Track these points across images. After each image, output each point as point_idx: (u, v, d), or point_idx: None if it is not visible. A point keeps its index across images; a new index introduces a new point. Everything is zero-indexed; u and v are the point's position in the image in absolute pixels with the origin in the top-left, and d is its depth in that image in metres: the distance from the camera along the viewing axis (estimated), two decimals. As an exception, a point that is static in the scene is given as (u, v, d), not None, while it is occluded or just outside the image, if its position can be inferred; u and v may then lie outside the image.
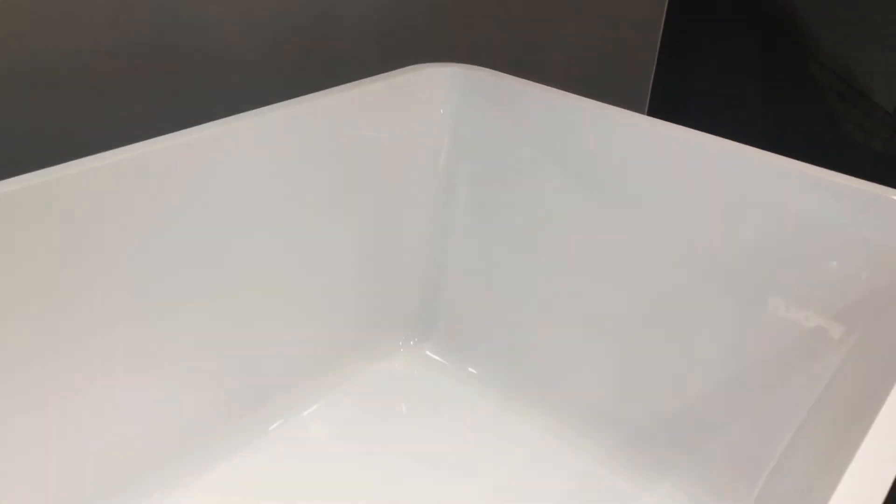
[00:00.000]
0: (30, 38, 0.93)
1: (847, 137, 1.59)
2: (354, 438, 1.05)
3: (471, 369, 1.17)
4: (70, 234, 0.80)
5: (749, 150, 0.93)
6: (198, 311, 0.95)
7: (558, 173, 1.09)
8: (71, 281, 0.81)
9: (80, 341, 0.84)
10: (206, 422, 1.00)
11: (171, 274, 0.91)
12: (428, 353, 1.21)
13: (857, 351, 0.85)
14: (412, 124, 1.13)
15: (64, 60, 0.97)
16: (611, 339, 1.06)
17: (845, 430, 0.68)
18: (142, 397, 0.92)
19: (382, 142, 1.12)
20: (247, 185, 0.97)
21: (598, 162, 1.04)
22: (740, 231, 0.94)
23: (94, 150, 0.82)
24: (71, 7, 0.96)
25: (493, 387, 1.14)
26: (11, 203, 0.74)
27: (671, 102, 1.70)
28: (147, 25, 1.03)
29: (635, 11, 1.67)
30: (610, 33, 1.65)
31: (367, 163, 1.10)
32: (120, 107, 1.05)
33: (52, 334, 0.81)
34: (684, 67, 1.68)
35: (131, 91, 1.05)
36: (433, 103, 1.14)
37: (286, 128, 1.00)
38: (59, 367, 0.82)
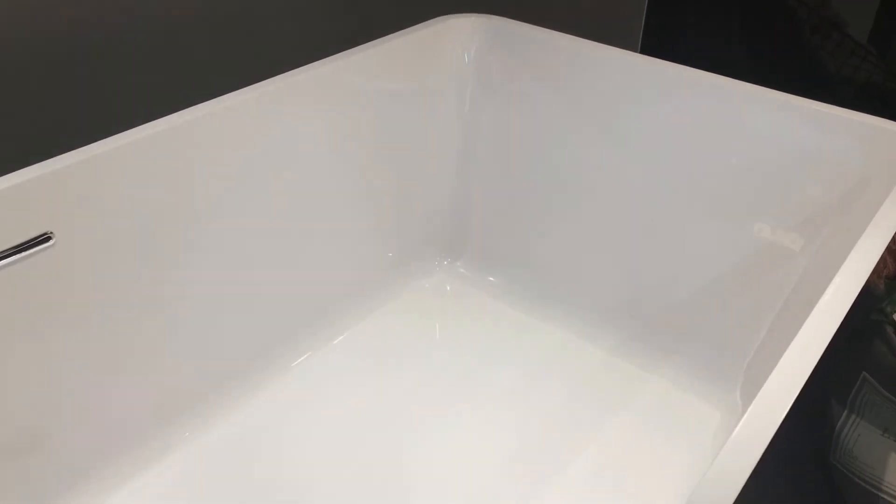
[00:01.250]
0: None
1: (823, 67, 1.75)
2: (404, 342, 1.25)
3: (497, 281, 1.37)
4: (177, 177, 0.98)
5: (731, 82, 1.10)
6: (267, 241, 1.14)
7: (568, 109, 1.26)
8: (174, 218, 0.99)
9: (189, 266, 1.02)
10: (281, 332, 1.19)
11: (243, 209, 1.09)
12: (460, 269, 1.40)
13: (819, 252, 1.04)
14: (440, 70, 1.29)
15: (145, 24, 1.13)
16: (616, 252, 1.25)
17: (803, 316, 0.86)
18: (214, 321, 1.11)
19: (414, 88, 1.28)
20: (301, 131, 1.13)
21: (601, 98, 1.21)
22: (723, 155, 1.12)
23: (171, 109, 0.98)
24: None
25: (518, 295, 1.34)
26: (142, 146, 0.91)
27: (661, 41, 1.85)
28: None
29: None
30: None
31: (401, 107, 1.27)
32: (183, 69, 1.21)
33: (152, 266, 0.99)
34: (672, 9, 1.83)
35: (191, 53, 1.20)
36: (458, 50, 1.30)
37: (330, 81, 1.16)
38: (160, 288, 1.01)
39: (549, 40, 1.27)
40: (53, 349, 0.90)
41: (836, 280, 0.77)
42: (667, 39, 1.89)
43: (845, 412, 1.15)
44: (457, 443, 1.07)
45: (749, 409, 0.61)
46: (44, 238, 0.85)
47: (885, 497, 1.10)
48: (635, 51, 1.66)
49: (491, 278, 1.37)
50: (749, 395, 1.12)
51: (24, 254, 0.84)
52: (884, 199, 0.90)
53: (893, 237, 0.85)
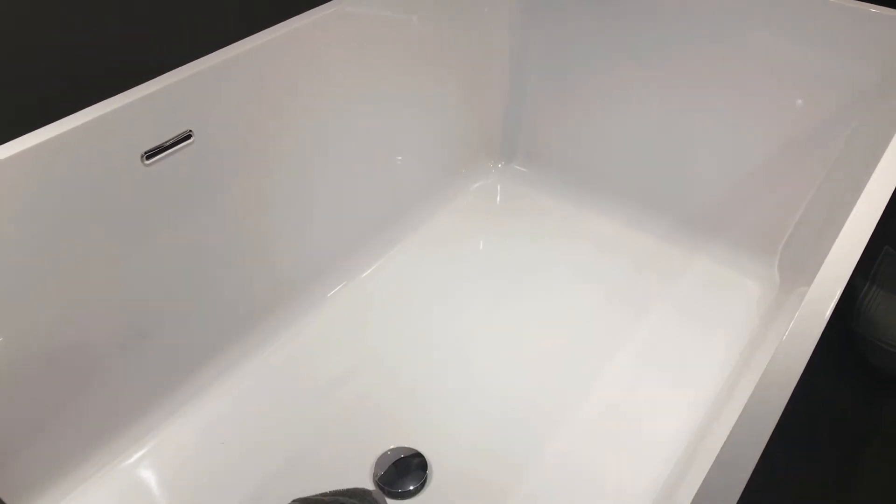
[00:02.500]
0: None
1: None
2: (467, 236, 1.39)
3: (549, 180, 1.49)
4: (288, 83, 1.09)
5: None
6: (340, 150, 1.25)
7: (607, 28, 1.36)
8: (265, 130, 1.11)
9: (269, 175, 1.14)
10: (370, 226, 1.32)
11: (330, 116, 1.20)
12: (514, 169, 1.52)
13: (852, 139, 1.17)
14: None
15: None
16: (660, 148, 1.37)
17: (841, 201, 0.98)
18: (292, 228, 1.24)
19: (469, 3, 1.38)
20: (373, 48, 1.24)
21: (636, 18, 1.31)
22: (758, 51, 1.23)
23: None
24: None
25: (568, 192, 1.47)
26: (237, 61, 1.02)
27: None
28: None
29: None
30: None
31: (458, 23, 1.37)
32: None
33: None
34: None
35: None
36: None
37: (399, 3, 1.26)
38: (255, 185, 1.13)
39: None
40: (185, 237, 1.02)
41: (876, 174, 0.89)
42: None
43: (867, 284, 1.30)
44: (517, 327, 1.21)
45: (807, 296, 0.73)
46: (184, 136, 0.97)
47: (903, 355, 1.25)
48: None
49: (542, 178, 1.50)
50: (785, 270, 1.27)
51: (171, 150, 0.95)
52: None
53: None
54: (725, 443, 0.58)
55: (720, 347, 1.16)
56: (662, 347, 1.17)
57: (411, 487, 0.98)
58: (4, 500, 0.87)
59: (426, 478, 0.99)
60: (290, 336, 1.19)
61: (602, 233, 1.40)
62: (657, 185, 1.40)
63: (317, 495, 0.95)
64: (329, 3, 1.16)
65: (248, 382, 1.12)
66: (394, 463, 1.01)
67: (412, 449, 1.03)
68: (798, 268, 1.23)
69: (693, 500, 0.52)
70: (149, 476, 1.00)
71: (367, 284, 1.29)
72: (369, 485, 0.99)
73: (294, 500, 0.94)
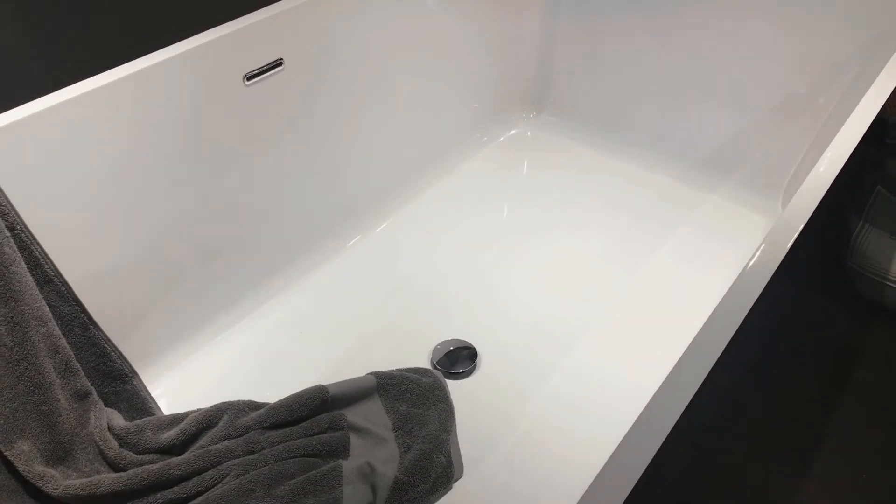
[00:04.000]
0: None
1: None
2: (500, 178, 1.55)
3: (575, 128, 1.66)
4: (361, 24, 1.25)
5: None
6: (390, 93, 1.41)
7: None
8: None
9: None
10: (412, 165, 1.48)
11: (388, 63, 1.36)
12: (546, 116, 1.69)
13: (850, 88, 1.32)
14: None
15: None
16: (676, 98, 1.53)
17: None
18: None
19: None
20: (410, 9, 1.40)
21: None
22: (764, 8, 1.38)
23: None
24: None
25: (592, 139, 1.63)
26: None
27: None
28: None
29: None
30: None
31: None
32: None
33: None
34: None
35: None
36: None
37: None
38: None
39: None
40: (274, 154, 1.19)
41: (855, 113, 1.04)
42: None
43: (860, 222, 1.46)
44: (547, 251, 1.38)
45: (781, 214, 0.85)
46: (276, 63, 1.13)
47: (891, 284, 1.42)
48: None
49: (570, 126, 1.66)
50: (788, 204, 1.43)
51: (261, 76, 1.11)
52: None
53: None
54: (689, 347, 0.67)
55: (726, 272, 1.32)
56: (674, 271, 1.33)
57: (461, 370, 1.15)
58: (130, 362, 1.03)
59: (475, 365, 1.16)
60: (354, 250, 1.36)
61: (624, 174, 1.56)
62: (673, 132, 1.56)
63: (389, 370, 1.12)
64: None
65: (322, 285, 1.29)
66: (446, 353, 1.18)
67: (464, 341, 1.19)
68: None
69: (660, 386, 0.64)
70: (240, 355, 1.17)
71: (415, 211, 1.45)
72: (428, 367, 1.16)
73: (370, 373, 1.11)
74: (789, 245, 0.84)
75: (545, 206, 1.48)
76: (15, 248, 0.88)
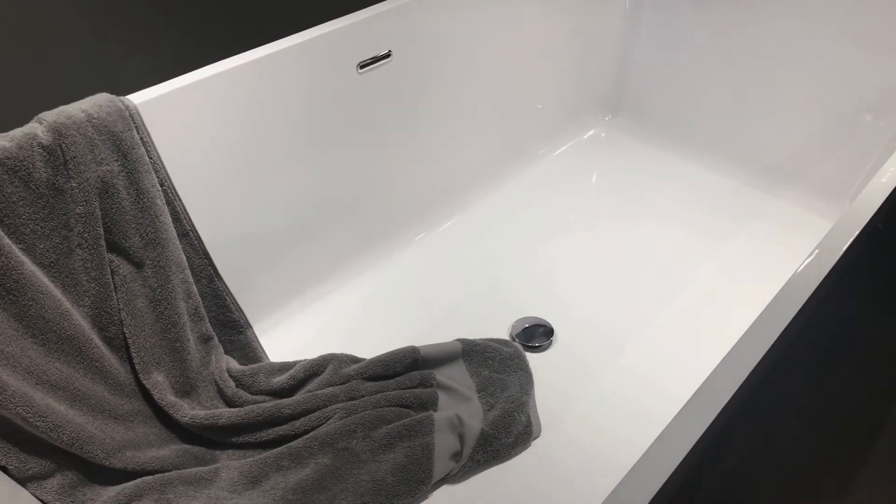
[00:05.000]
0: None
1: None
2: (574, 175, 1.64)
3: (649, 133, 1.74)
4: (460, 25, 1.36)
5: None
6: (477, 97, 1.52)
7: (706, 12, 1.59)
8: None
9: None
10: (499, 157, 1.58)
11: (492, 60, 1.46)
12: (622, 120, 1.77)
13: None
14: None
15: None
16: (746, 109, 1.60)
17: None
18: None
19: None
20: (517, 9, 1.50)
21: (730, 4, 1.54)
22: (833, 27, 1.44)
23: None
24: None
25: (665, 143, 1.71)
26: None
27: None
28: None
29: None
30: None
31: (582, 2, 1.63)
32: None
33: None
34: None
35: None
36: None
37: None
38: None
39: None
40: (379, 138, 1.30)
41: None
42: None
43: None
44: (619, 242, 1.46)
45: (837, 221, 0.92)
46: (385, 55, 1.24)
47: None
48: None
49: (644, 130, 1.74)
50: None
51: (372, 66, 1.23)
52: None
53: None
54: (737, 343, 0.74)
55: (787, 274, 1.38)
56: (739, 267, 1.40)
57: (538, 345, 1.24)
58: (247, 315, 1.15)
59: (550, 342, 1.25)
60: (441, 233, 1.46)
61: (693, 176, 1.64)
62: (742, 140, 1.63)
63: (473, 339, 1.21)
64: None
65: (412, 262, 1.40)
66: (524, 329, 1.27)
67: (541, 319, 1.28)
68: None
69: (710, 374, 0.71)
70: (336, 318, 1.28)
71: (497, 201, 1.55)
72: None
73: (456, 339, 1.21)
74: (843, 250, 0.90)
75: (617, 203, 1.57)
76: (164, 201, 1.01)
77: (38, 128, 0.89)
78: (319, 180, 1.25)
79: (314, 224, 1.27)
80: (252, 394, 1.08)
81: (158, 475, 0.96)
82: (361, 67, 1.22)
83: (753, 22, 1.55)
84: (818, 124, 1.54)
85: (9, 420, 0.87)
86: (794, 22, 1.49)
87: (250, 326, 1.16)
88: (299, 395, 1.07)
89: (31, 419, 0.86)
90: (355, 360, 1.14)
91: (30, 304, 0.89)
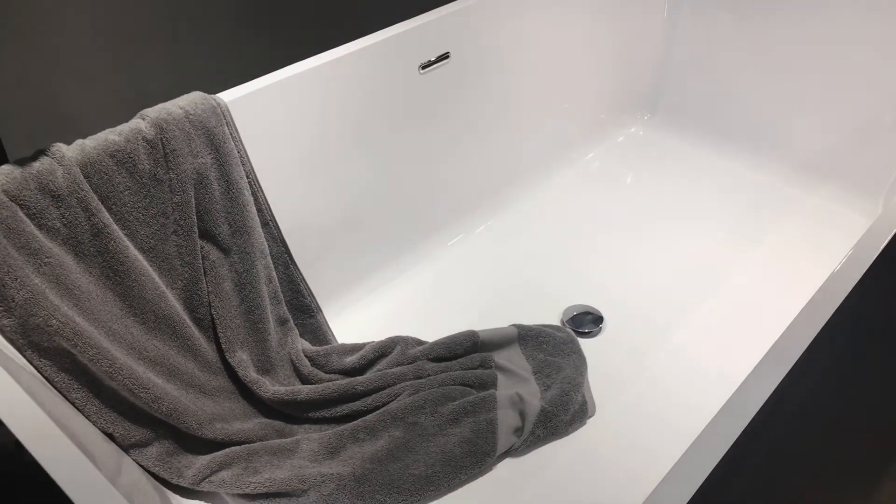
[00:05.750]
0: None
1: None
2: (614, 171, 1.71)
3: (686, 131, 1.80)
4: (513, 28, 1.43)
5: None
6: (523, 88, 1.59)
7: (743, 16, 1.65)
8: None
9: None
10: (544, 154, 1.65)
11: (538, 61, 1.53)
12: (660, 119, 1.84)
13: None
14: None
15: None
16: (780, 108, 1.66)
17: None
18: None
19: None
20: (559, 12, 1.57)
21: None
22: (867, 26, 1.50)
23: None
24: None
25: (702, 141, 1.77)
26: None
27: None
28: None
29: None
30: None
31: (624, 5, 1.70)
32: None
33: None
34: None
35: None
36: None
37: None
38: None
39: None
40: (440, 134, 1.37)
41: None
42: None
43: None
44: (659, 237, 1.52)
45: (876, 219, 0.97)
46: (444, 56, 1.32)
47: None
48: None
49: (681, 128, 1.81)
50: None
51: (432, 66, 1.31)
52: None
53: None
54: (777, 341, 0.79)
55: (824, 267, 1.44)
56: (777, 262, 1.46)
57: (588, 331, 1.30)
58: (316, 297, 1.23)
59: (600, 328, 1.31)
60: (494, 225, 1.53)
61: (730, 173, 1.70)
62: (778, 139, 1.69)
63: (528, 324, 1.28)
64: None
65: (466, 252, 1.47)
66: (574, 316, 1.34)
67: (591, 307, 1.35)
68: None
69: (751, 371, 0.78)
70: (398, 305, 1.36)
71: (541, 196, 1.62)
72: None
73: (512, 325, 1.28)
74: (881, 248, 0.95)
75: (657, 200, 1.63)
76: (251, 191, 1.09)
77: (141, 123, 0.97)
78: (383, 173, 1.32)
79: (376, 215, 1.35)
80: (326, 372, 1.15)
81: (245, 445, 1.03)
82: (423, 68, 1.29)
83: (788, 25, 1.61)
84: (852, 123, 1.59)
85: (116, 391, 0.95)
86: (824, 24, 1.55)
87: (321, 311, 1.24)
88: (370, 374, 1.14)
89: (135, 390, 0.94)
90: (419, 342, 1.22)
91: (133, 285, 0.97)
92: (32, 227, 0.88)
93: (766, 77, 1.69)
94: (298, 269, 1.20)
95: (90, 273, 0.94)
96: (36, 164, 0.89)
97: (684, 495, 0.62)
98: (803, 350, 0.80)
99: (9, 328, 0.86)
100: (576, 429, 1.13)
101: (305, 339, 1.23)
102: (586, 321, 1.33)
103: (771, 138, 1.71)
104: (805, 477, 1.17)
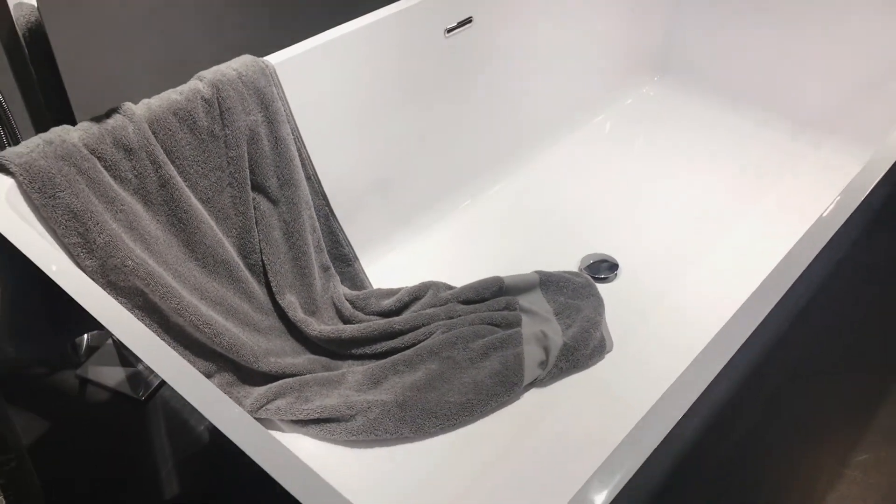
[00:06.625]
0: None
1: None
2: (631, 130, 1.79)
3: (697, 91, 1.88)
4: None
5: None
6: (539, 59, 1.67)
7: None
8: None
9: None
10: (560, 115, 1.74)
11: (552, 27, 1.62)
12: (670, 79, 1.92)
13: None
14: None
15: None
16: (789, 67, 1.74)
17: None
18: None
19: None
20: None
21: None
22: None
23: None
24: None
25: (711, 99, 1.86)
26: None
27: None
28: None
29: None
30: None
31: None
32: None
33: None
34: None
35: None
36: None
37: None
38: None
39: None
40: (463, 97, 1.46)
41: None
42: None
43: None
44: (670, 195, 1.62)
45: (863, 168, 1.05)
46: (467, 20, 1.40)
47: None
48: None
49: (692, 88, 1.89)
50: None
51: (456, 31, 1.39)
52: None
53: None
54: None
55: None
56: (784, 211, 1.55)
57: (604, 276, 1.40)
58: (353, 247, 1.33)
59: (616, 274, 1.41)
60: (515, 180, 1.63)
61: (739, 129, 1.79)
62: (785, 95, 1.77)
63: (548, 271, 1.38)
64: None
65: (491, 205, 1.57)
66: (591, 264, 1.43)
67: (607, 255, 1.45)
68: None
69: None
70: (429, 254, 1.46)
71: (559, 153, 1.71)
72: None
73: (534, 271, 1.38)
74: (863, 197, 1.03)
75: (669, 156, 1.72)
76: (297, 146, 1.19)
77: (199, 84, 1.07)
78: (413, 132, 1.42)
79: (408, 170, 1.44)
80: (366, 314, 1.26)
81: (296, 377, 1.14)
82: (448, 32, 1.38)
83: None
84: (855, 79, 1.68)
85: (182, 328, 1.05)
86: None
87: (357, 259, 1.34)
88: (406, 315, 1.25)
89: (200, 325, 1.05)
90: (449, 287, 1.32)
91: (195, 231, 1.07)
92: (109, 177, 0.98)
93: (772, 36, 1.76)
94: (337, 221, 1.30)
95: (157, 220, 1.04)
96: (110, 121, 0.98)
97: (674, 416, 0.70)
98: (782, 294, 0.87)
99: (90, 268, 0.96)
100: (595, 362, 1.23)
101: (345, 286, 1.33)
102: (603, 268, 1.43)
103: (778, 95, 1.79)
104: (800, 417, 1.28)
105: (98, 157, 0.97)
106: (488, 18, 1.45)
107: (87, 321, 1.10)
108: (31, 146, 0.92)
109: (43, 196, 0.91)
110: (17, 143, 1.03)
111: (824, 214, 0.97)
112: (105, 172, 0.98)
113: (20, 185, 0.90)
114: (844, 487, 1.13)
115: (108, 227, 0.96)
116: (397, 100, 1.36)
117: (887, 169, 1.10)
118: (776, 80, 1.78)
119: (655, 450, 0.66)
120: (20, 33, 0.98)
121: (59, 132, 0.95)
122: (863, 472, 1.16)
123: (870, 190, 1.04)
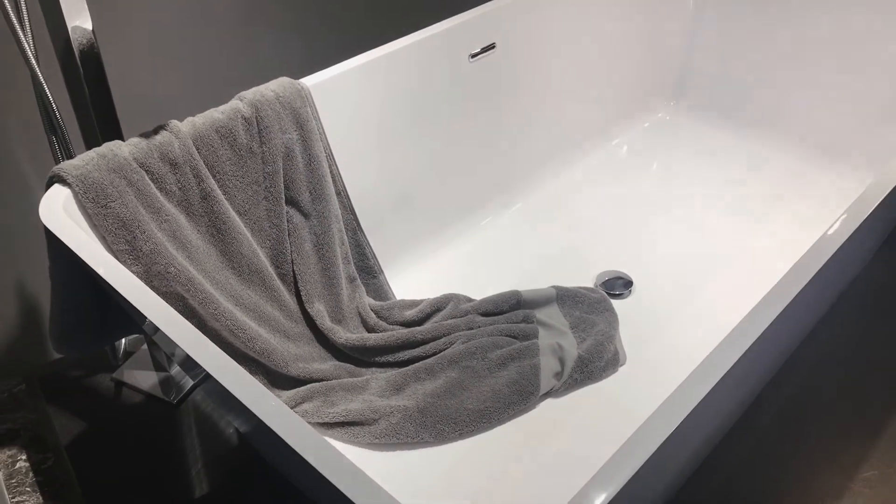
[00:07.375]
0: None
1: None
2: (646, 153, 1.85)
3: (711, 117, 1.94)
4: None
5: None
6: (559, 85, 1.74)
7: (764, 11, 1.79)
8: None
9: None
10: (578, 139, 1.80)
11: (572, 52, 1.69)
12: (685, 105, 1.98)
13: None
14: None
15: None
16: (798, 96, 1.79)
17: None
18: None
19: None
20: (589, 8, 1.72)
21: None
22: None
23: None
24: None
25: (725, 126, 1.91)
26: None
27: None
28: None
29: None
30: None
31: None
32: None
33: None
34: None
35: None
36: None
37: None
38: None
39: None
40: (484, 120, 1.53)
41: None
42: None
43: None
44: (685, 216, 1.67)
45: (867, 187, 1.11)
46: (490, 46, 1.47)
47: None
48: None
49: (706, 115, 1.95)
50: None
51: (480, 56, 1.46)
52: None
53: None
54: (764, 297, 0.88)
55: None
56: (796, 233, 1.60)
57: (619, 293, 1.46)
58: (378, 260, 1.39)
59: (630, 291, 1.47)
60: (530, 201, 1.69)
61: (754, 155, 1.84)
62: (800, 121, 1.82)
63: (565, 286, 1.44)
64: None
65: (508, 223, 1.63)
66: (606, 280, 1.49)
67: (621, 272, 1.50)
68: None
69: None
70: (447, 269, 1.52)
71: (574, 176, 1.77)
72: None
73: (550, 286, 1.43)
74: (866, 216, 1.07)
75: (684, 179, 1.78)
76: (328, 164, 1.26)
77: (240, 104, 1.14)
78: (436, 152, 1.49)
79: (431, 188, 1.51)
80: (389, 324, 1.32)
81: (323, 383, 1.20)
82: (472, 57, 1.45)
83: (808, 12, 1.75)
84: (871, 105, 1.73)
85: (217, 332, 1.12)
86: (843, 12, 1.69)
87: (382, 272, 1.40)
88: (428, 325, 1.31)
89: (235, 331, 1.11)
90: (469, 299, 1.38)
91: (232, 242, 1.14)
92: (155, 189, 1.05)
93: (787, 63, 1.82)
94: (364, 235, 1.37)
95: (198, 230, 1.11)
96: (157, 137, 1.06)
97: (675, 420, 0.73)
98: (784, 306, 0.90)
99: (135, 274, 1.03)
100: (608, 375, 1.28)
101: (370, 296, 1.39)
102: (618, 285, 1.48)
103: (793, 121, 1.84)
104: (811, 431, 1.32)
105: (146, 171, 1.04)
106: (510, 45, 1.52)
107: (128, 327, 1.17)
108: (87, 159, 1.00)
109: (96, 205, 0.98)
110: (70, 156, 1.11)
111: (829, 232, 1.02)
112: (152, 185, 1.05)
113: (76, 195, 0.98)
114: (850, 503, 1.17)
115: (154, 235, 1.03)
116: (422, 121, 1.43)
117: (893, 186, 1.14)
118: (790, 105, 1.83)
119: (655, 462, 0.70)
120: (76, 54, 1.06)
121: (112, 146, 1.03)
122: (870, 488, 1.20)
123: (877, 204, 1.08)
